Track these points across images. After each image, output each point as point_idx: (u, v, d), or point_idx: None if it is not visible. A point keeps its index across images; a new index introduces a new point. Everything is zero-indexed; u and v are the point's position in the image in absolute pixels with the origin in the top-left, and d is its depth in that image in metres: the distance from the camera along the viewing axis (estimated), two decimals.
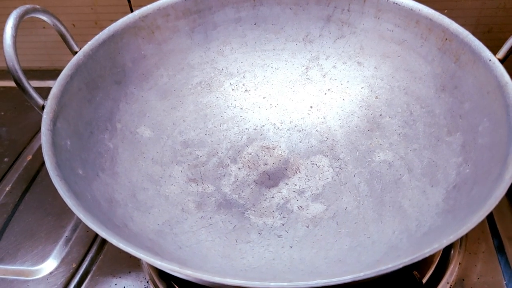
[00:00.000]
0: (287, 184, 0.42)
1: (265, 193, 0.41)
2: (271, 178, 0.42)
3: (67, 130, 0.35)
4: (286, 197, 0.40)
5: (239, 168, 0.43)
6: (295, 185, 0.41)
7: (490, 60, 0.34)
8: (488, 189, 0.29)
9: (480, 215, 0.26)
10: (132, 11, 0.54)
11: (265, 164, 0.43)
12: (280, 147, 0.45)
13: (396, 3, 0.40)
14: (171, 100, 0.44)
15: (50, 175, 0.30)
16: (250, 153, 0.44)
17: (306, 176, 0.42)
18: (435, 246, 0.25)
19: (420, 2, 0.40)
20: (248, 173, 0.43)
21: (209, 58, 0.46)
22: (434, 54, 0.39)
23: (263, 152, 0.44)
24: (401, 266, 0.25)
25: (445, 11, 0.48)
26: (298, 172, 0.42)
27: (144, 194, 0.38)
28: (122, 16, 0.41)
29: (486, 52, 0.35)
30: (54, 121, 0.33)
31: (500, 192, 0.27)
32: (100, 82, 0.39)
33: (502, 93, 0.33)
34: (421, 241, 0.31)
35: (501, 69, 0.34)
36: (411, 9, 0.40)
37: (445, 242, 0.25)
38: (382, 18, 0.42)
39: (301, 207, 0.40)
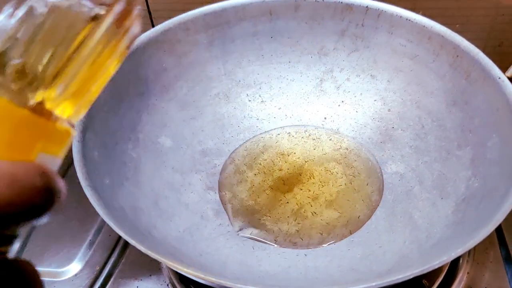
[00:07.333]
0: (301, 189, 0.43)
1: (280, 198, 0.43)
2: (286, 183, 0.44)
3: (94, 141, 0.36)
4: (300, 203, 0.42)
5: (255, 174, 0.45)
6: (309, 190, 0.43)
7: (499, 78, 0.36)
8: (496, 203, 0.30)
9: (487, 230, 0.27)
10: (152, 24, 0.55)
11: (280, 170, 0.45)
12: (294, 153, 0.46)
13: (409, 20, 0.42)
14: (190, 111, 0.46)
15: (82, 185, 0.32)
16: (266, 159, 0.46)
17: (320, 182, 0.43)
18: (444, 258, 0.26)
19: (432, 17, 0.41)
20: (264, 179, 0.44)
21: (227, 70, 0.47)
22: (445, 69, 0.41)
23: (278, 159, 0.46)
24: (411, 276, 0.26)
25: (457, 25, 0.49)
26: (312, 177, 0.44)
27: (166, 202, 0.39)
28: (143, 29, 0.43)
29: (496, 70, 0.36)
30: (84, 132, 0.35)
31: (507, 208, 0.28)
32: (125, 94, 0.41)
33: (511, 110, 0.34)
34: (430, 252, 0.33)
35: (510, 87, 0.35)
36: (424, 26, 0.41)
37: (454, 255, 0.27)
38: (395, 34, 0.43)
39: (315, 213, 0.41)
